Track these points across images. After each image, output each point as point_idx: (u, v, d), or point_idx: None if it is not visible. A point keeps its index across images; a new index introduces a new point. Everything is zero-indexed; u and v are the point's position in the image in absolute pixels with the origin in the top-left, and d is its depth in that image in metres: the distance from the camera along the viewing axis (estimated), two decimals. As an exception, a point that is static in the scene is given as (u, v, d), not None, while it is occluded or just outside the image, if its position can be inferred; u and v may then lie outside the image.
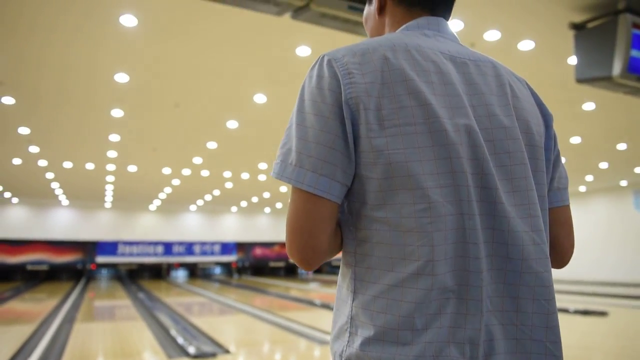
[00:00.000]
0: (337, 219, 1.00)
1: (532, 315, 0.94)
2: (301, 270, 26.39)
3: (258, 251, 25.88)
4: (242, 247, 25.39)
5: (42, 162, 12.76)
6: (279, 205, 23.18)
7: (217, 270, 25.87)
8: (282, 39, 5.83)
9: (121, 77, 6.95)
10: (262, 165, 13.43)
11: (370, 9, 1.24)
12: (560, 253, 1.13)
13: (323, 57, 1.01)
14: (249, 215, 25.43)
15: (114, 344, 7.40)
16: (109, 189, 17.88)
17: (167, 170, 14.17)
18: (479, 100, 1.01)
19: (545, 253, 0.97)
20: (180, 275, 24.93)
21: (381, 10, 1.19)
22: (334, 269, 25.07)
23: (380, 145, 0.92)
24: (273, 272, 25.91)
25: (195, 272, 24.96)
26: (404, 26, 1.13)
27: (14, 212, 21.34)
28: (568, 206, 1.16)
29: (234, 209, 24.75)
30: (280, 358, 6.72)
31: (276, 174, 0.99)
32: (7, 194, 19.08)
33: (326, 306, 11.34)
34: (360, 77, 0.95)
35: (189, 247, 24.22)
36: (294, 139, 0.97)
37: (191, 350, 6.48)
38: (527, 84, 1.16)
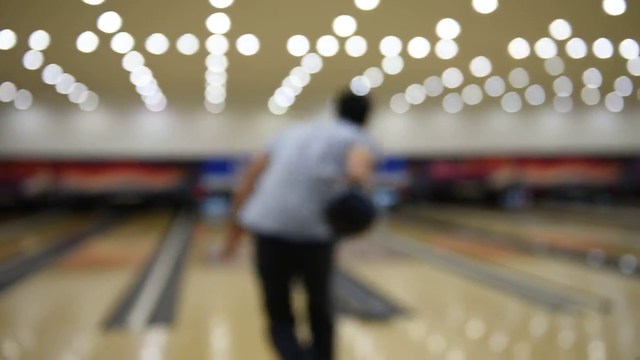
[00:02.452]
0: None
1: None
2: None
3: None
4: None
5: (122, 39, 12.88)
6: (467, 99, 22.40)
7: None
8: None
9: None
10: (444, 25, 12.43)
11: None
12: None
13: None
14: (423, 114, 24.37)
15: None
16: (215, 82, 18.21)
17: (296, 47, 13.89)
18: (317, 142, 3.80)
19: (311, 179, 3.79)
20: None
21: None
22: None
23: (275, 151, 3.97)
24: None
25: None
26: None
27: (90, 122, 22.32)
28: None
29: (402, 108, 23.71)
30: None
31: None
32: (82, 97, 19.89)
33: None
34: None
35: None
36: None
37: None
38: (348, 140, 3.65)
